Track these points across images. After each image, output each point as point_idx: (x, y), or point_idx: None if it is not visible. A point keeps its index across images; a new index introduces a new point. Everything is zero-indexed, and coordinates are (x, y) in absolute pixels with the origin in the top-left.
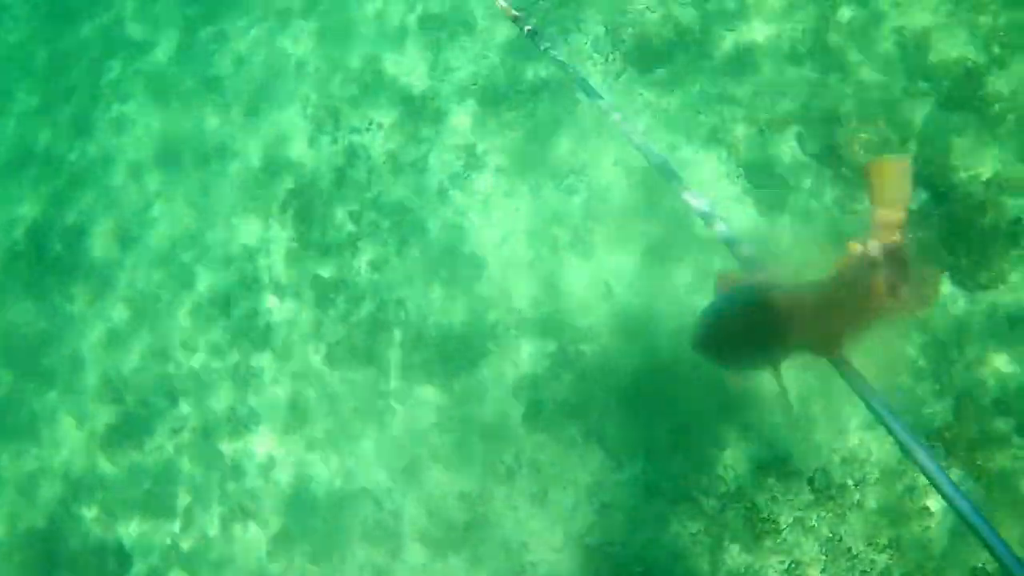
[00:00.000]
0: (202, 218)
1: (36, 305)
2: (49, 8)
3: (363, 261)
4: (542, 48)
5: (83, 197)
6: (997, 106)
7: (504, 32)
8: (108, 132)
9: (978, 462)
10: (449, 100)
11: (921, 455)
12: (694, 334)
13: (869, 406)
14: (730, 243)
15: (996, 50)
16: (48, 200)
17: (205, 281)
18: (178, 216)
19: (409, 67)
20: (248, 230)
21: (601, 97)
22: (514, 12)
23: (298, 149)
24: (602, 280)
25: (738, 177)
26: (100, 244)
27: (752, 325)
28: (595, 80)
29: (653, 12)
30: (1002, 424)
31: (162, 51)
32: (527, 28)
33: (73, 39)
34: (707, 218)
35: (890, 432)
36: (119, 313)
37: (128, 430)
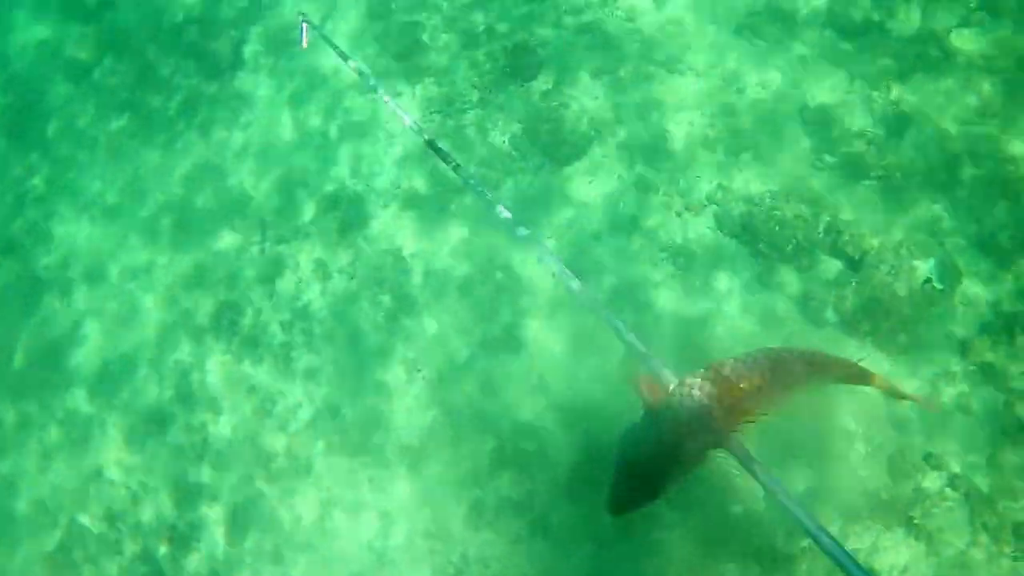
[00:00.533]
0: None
1: None
2: None
3: (298, 368)
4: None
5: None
6: (899, 174)
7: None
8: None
9: (915, 520)
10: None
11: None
12: (608, 502)
13: (758, 480)
14: (643, 357)
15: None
16: None
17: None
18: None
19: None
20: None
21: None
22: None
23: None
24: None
25: (661, 260)
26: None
27: (659, 465)
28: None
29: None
30: (935, 480)
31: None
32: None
33: None
34: (618, 332)
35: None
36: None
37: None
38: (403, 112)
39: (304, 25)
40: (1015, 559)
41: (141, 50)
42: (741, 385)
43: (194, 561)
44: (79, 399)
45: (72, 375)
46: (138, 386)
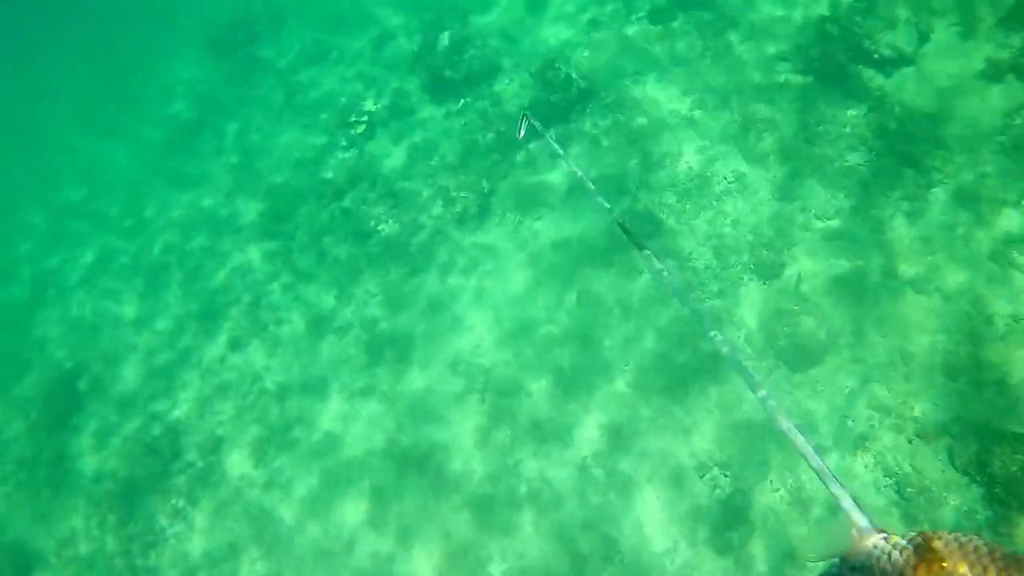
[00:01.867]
0: None
1: None
2: None
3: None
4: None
5: None
6: None
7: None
8: None
9: None
10: None
11: None
12: None
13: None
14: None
15: None
16: None
17: None
18: None
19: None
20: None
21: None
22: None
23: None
24: None
25: (885, 487)
26: None
27: None
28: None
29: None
30: None
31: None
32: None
33: None
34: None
35: None
36: None
37: None
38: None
39: (524, 118)
40: None
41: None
42: (944, 564)
43: None
44: None
45: None
46: None
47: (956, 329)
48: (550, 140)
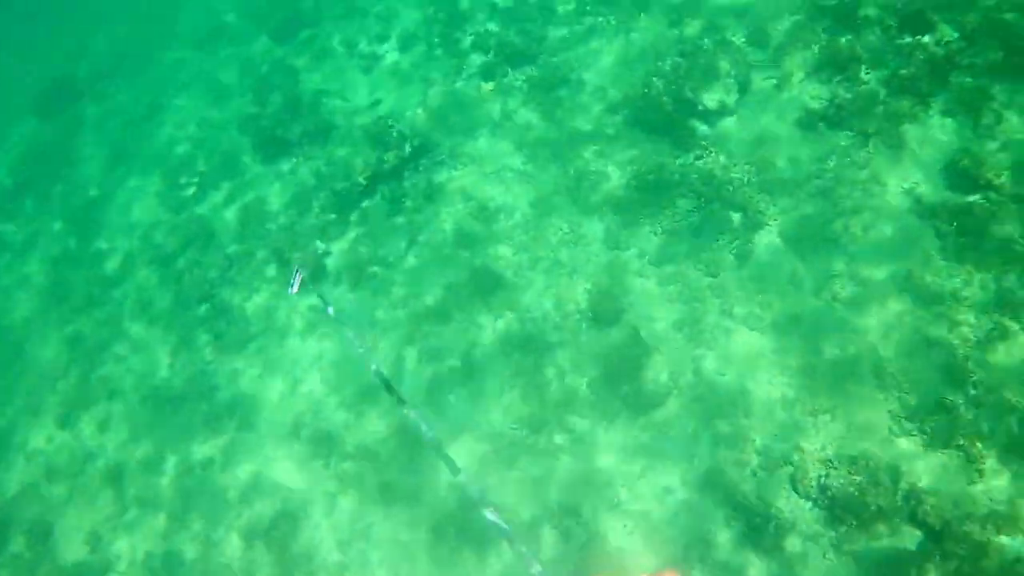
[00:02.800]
0: None
1: None
2: None
3: None
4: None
5: None
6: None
7: None
8: None
9: None
10: None
11: None
12: None
13: None
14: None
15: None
16: None
17: None
18: None
19: None
20: None
21: None
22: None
23: None
24: None
25: (732, 520)
26: None
27: None
28: None
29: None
30: None
31: None
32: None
33: None
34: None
35: None
36: None
37: None
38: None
39: (296, 272)
40: None
41: None
42: None
43: None
44: None
45: None
46: None
47: (789, 370)
48: (321, 298)
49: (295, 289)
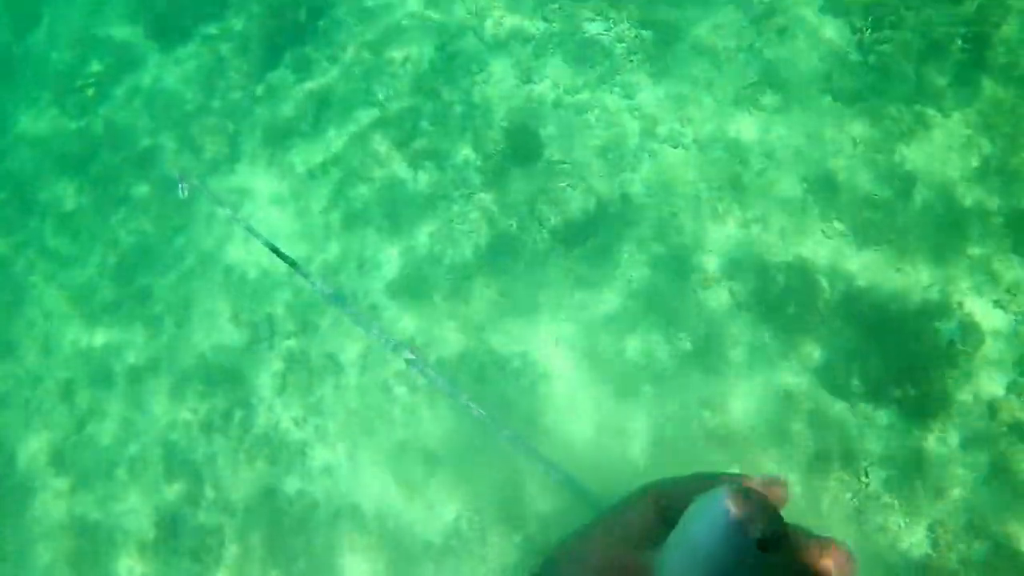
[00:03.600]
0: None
1: None
2: None
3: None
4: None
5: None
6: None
7: None
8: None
9: None
10: None
11: None
12: None
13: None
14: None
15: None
16: None
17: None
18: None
19: None
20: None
21: None
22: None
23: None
24: None
25: (679, 339)
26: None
27: None
28: None
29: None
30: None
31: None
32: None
33: None
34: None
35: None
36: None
37: None
38: None
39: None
40: None
41: None
42: None
43: None
44: None
45: None
46: None
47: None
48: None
49: (185, 194)
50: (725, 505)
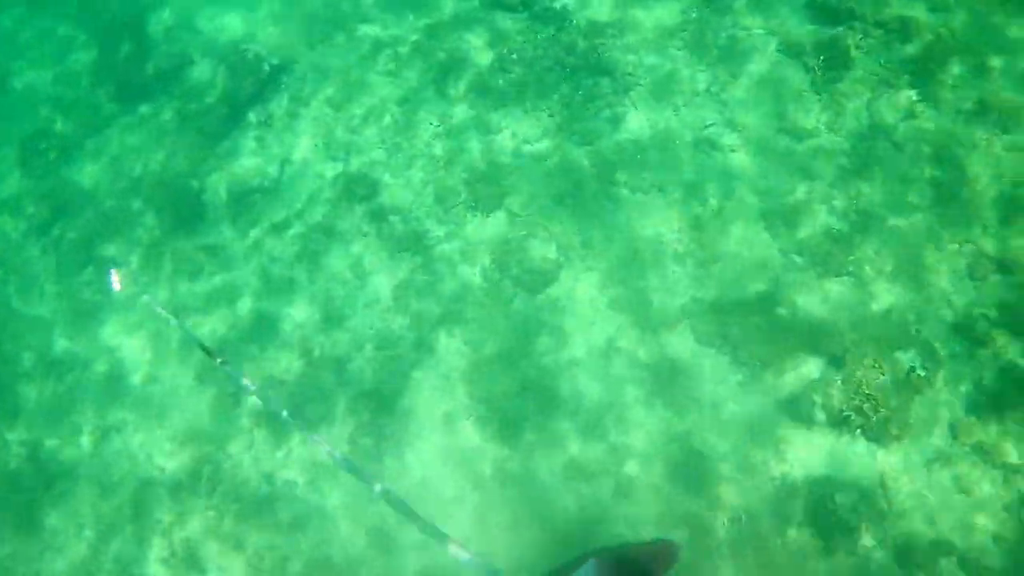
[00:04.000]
0: None
1: None
2: None
3: None
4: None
5: None
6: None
7: None
8: None
9: None
10: None
11: None
12: None
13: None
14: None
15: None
16: None
17: None
18: None
19: None
20: None
21: None
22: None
23: None
24: None
25: (642, 380)
26: None
27: None
28: None
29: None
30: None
31: None
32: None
33: None
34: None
35: None
36: None
37: None
38: None
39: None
40: None
41: None
42: None
43: None
44: None
45: None
46: None
47: (680, 220)
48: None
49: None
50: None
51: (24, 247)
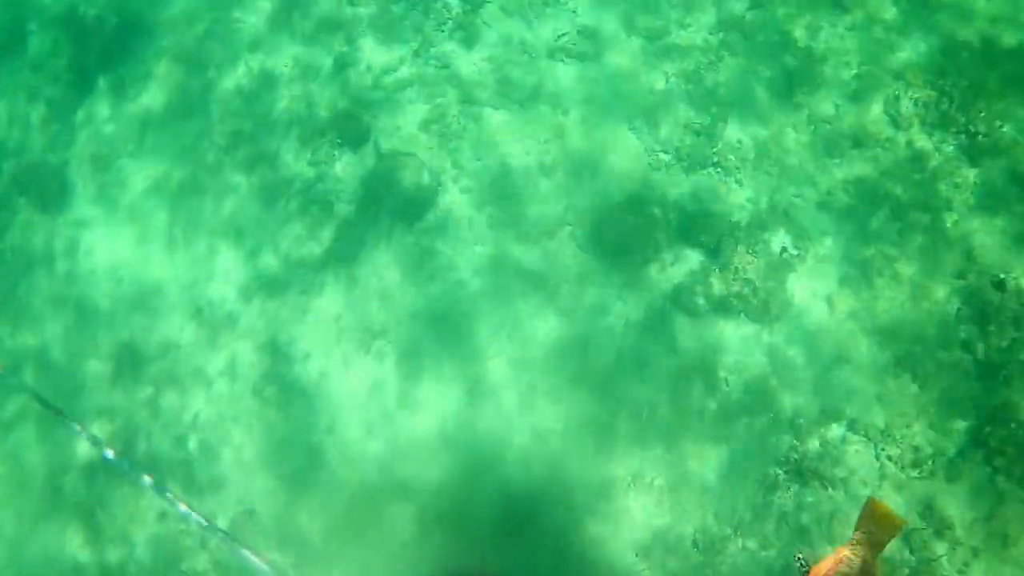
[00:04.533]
0: None
1: None
2: None
3: None
4: None
5: None
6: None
7: None
8: None
9: None
10: None
11: None
12: None
13: None
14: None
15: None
16: None
17: None
18: None
19: None
20: None
21: None
22: None
23: None
24: None
25: (529, 291)
26: None
27: None
28: None
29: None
30: None
31: None
32: None
33: None
34: None
35: None
36: None
37: None
38: None
39: None
40: None
41: None
42: None
43: None
44: None
45: None
46: None
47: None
48: None
49: None
50: None
51: None
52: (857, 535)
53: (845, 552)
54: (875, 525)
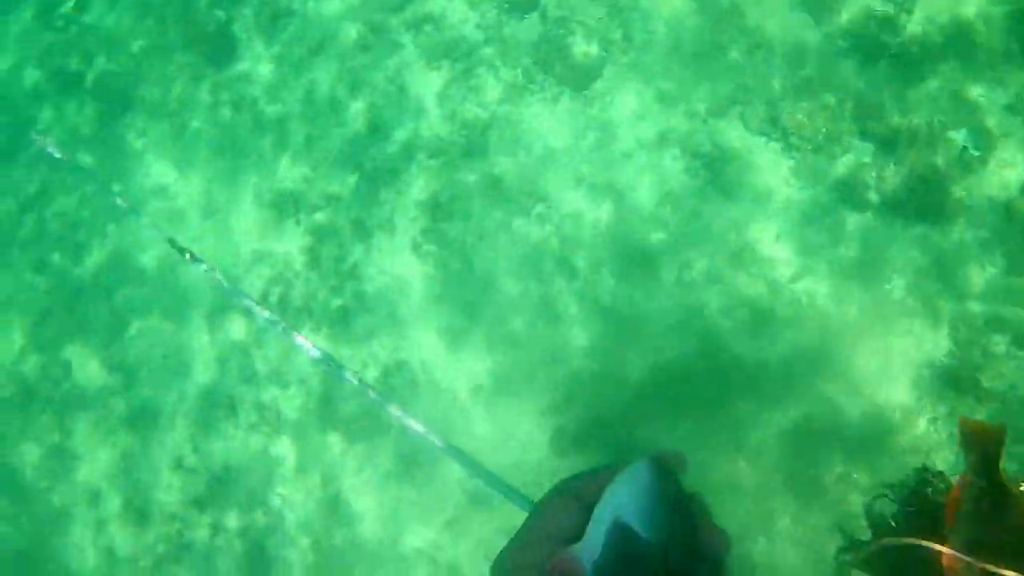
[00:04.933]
0: None
1: None
2: None
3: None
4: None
5: None
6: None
7: None
8: None
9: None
10: None
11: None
12: None
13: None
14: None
15: None
16: None
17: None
18: None
19: None
20: None
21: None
22: None
23: None
24: None
25: (695, 169)
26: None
27: None
28: None
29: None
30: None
31: None
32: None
33: None
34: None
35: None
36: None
37: None
38: None
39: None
40: None
41: None
42: None
43: None
44: None
45: None
46: None
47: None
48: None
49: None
50: (647, 465)
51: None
52: (970, 458)
53: (968, 477)
54: (975, 443)
